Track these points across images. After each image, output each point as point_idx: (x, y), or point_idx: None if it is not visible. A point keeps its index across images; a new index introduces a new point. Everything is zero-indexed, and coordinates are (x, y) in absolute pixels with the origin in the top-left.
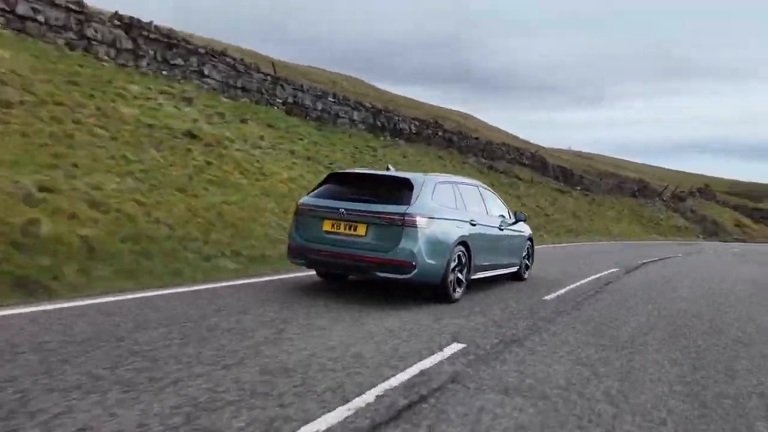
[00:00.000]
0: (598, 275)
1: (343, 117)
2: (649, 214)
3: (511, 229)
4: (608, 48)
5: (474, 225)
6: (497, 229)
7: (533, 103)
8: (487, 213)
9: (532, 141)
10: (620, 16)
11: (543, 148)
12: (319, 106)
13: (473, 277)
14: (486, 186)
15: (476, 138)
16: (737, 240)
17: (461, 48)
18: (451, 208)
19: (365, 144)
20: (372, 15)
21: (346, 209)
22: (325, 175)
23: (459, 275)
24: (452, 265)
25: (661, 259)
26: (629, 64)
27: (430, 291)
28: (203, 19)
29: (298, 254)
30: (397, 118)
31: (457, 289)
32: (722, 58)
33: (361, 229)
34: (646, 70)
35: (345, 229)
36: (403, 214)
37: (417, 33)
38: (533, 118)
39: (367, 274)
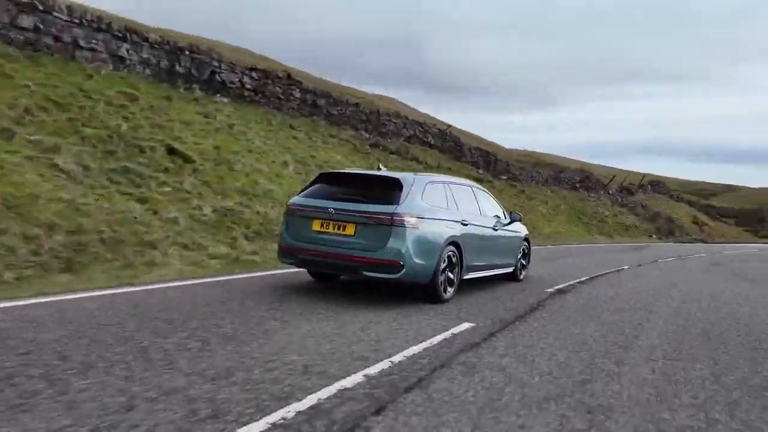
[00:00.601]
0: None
1: (100, 51)
2: (592, 210)
3: (505, 230)
4: (557, 53)
5: (465, 225)
6: (491, 230)
7: (486, 104)
8: (480, 213)
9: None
10: (566, 23)
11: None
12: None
13: (465, 277)
14: (480, 186)
15: (356, 104)
16: (697, 240)
17: (412, 48)
18: (442, 208)
19: (150, 92)
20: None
21: (335, 209)
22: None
23: (450, 275)
24: (442, 265)
25: (593, 278)
26: (576, 68)
27: (421, 291)
28: None
29: (288, 254)
30: (217, 65)
31: (448, 289)
32: (663, 64)
33: (350, 229)
34: (590, 74)
35: (334, 228)
36: (391, 214)
37: (367, 32)
38: (493, 121)
39: (356, 273)
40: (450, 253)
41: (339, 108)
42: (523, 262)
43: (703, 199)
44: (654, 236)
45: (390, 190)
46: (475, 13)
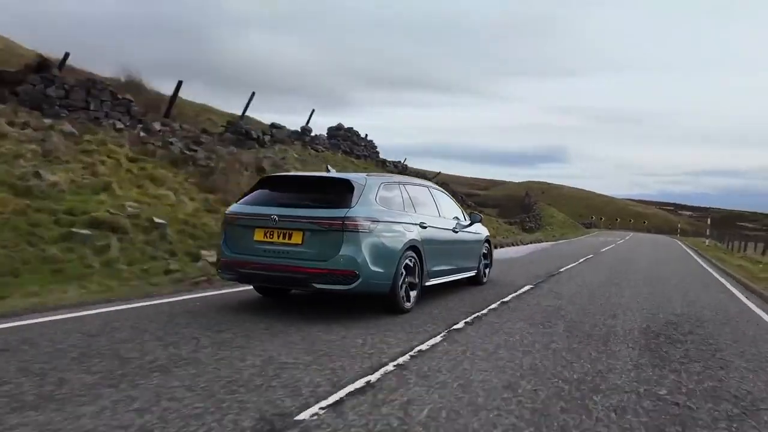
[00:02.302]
0: None
1: None
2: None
3: (466, 231)
4: (341, 57)
5: (425, 228)
6: (451, 232)
7: (279, 107)
8: (439, 215)
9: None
10: (349, 28)
11: None
12: None
13: (427, 284)
14: (437, 186)
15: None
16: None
17: (192, 39)
18: (399, 210)
19: None
20: None
21: (279, 215)
22: None
23: (411, 283)
24: (402, 272)
25: None
26: (359, 73)
27: (380, 302)
28: None
29: (229, 268)
30: None
31: (410, 298)
32: (439, 74)
33: (297, 237)
34: (374, 79)
35: (279, 237)
36: (343, 218)
37: (137, 17)
38: (283, 122)
39: (305, 286)
40: (410, 258)
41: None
42: (486, 263)
43: (477, 190)
44: None
45: (340, 192)
46: (255, 9)
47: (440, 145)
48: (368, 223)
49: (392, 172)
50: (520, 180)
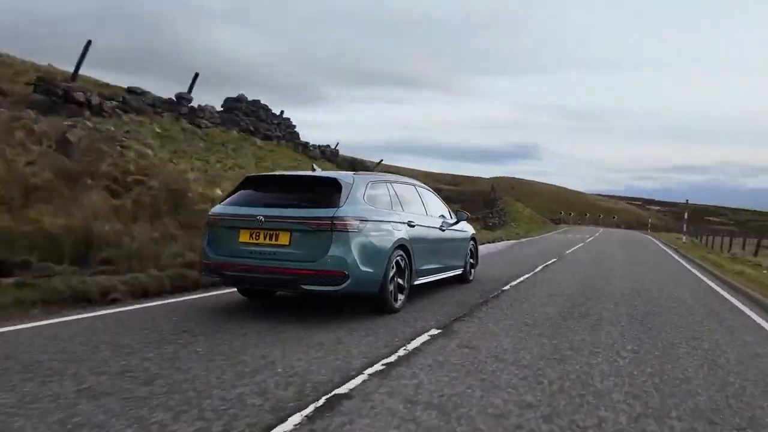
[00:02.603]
0: None
1: None
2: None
3: (453, 229)
4: (316, 53)
5: (413, 226)
6: (438, 230)
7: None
8: (426, 213)
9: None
10: (308, 22)
11: None
12: None
13: (415, 282)
14: (423, 185)
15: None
16: None
17: (152, 29)
18: (387, 209)
19: None
20: None
21: (265, 216)
22: None
23: (399, 282)
24: (391, 271)
25: None
26: (331, 69)
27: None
28: None
29: (213, 271)
30: None
31: (399, 298)
32: (409, 69)
33: (284, 238)
34: (344, 75)
35: (265, 239)
36: (331, 218)
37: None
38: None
39: (293, 288)
40: (398, 257)
41: None
42: (472, 261)
43: (445, 185)
44: None
45: (327, 191)
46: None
47: (412, 142)
48: (357, 222)
49: (316, 158)
50: (491, 176)
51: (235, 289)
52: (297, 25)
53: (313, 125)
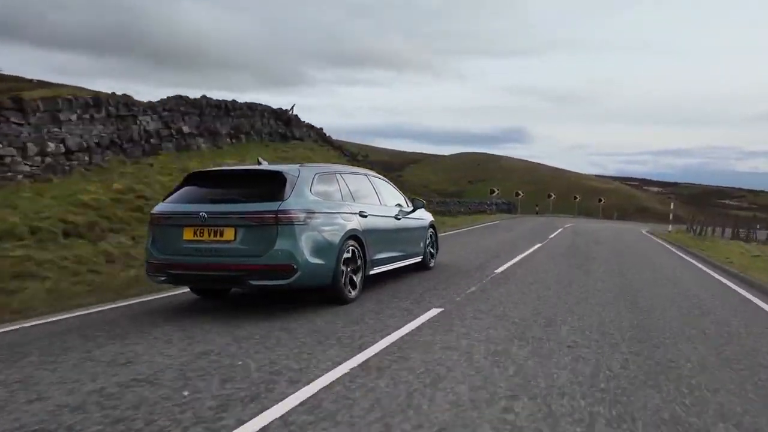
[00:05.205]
0: None
1: None
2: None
3: (409, 218)
4: (298, 34)
5: (365, 216)
6: (393, 219)
7: (221, 83)
8: (380, 203)
9: None
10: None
11: None
12: None
13: (371, 272)
14: (377, 174)
15: None
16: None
17: (114, 9)
18: (336, 200)
19: None
20: None
21: (207, 213)
22: None
23: (353, 273)
24: (342, 263)
25: None
26: (311, 51)
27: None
28: None
29: (158, 271)
30: None
31: (353, 288)
32: (388, 51)
33: (229, 234)
34: (328, 58)
35: (210, 235)
36: (276, 211)
37: None
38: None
39: (241, 284)
40: (351, 248)
41: None
42: (432, 250)
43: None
44: None
45: (272, 185)
46: None
47: (396, 125)
48: (303, 215)
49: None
50: (451, 153)
51: (188, 289)
52: (273, 3)
53: (305, 109)
